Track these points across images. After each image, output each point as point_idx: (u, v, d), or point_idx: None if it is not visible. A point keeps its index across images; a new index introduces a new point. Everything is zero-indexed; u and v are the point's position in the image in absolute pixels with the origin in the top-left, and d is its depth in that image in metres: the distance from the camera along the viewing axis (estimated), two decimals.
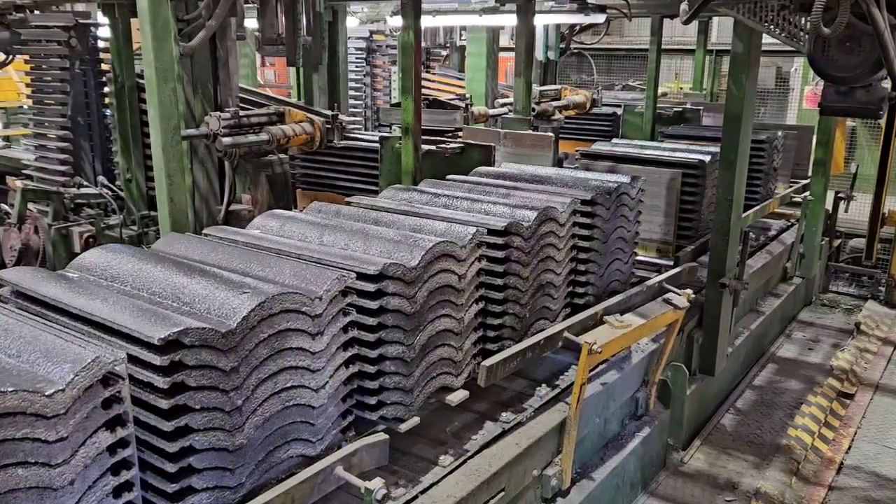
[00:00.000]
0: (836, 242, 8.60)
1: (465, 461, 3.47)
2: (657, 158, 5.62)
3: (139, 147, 6.59)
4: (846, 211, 8.11)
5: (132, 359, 2.24)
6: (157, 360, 2.22)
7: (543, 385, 4.19)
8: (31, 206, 6.85)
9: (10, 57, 7.86)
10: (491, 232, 3.56)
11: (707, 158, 5.61)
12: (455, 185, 4.51)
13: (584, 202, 4.21)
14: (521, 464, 3.69)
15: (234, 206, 5.82)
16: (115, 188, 6.72)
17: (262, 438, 2.56)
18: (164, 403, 2.26)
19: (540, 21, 6.93)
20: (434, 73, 10.54)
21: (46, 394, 1.92)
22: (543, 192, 4.31)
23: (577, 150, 5.89)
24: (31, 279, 2.68)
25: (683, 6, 4.95)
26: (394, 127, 8.34)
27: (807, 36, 4.30)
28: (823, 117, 7.25)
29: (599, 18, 7.16)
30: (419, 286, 3.09)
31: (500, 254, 3.61)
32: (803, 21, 4.27)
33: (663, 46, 8.93)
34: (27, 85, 7.20)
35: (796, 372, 6.59)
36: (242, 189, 6.04)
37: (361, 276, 2.88)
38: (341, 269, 2.89)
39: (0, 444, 1.86)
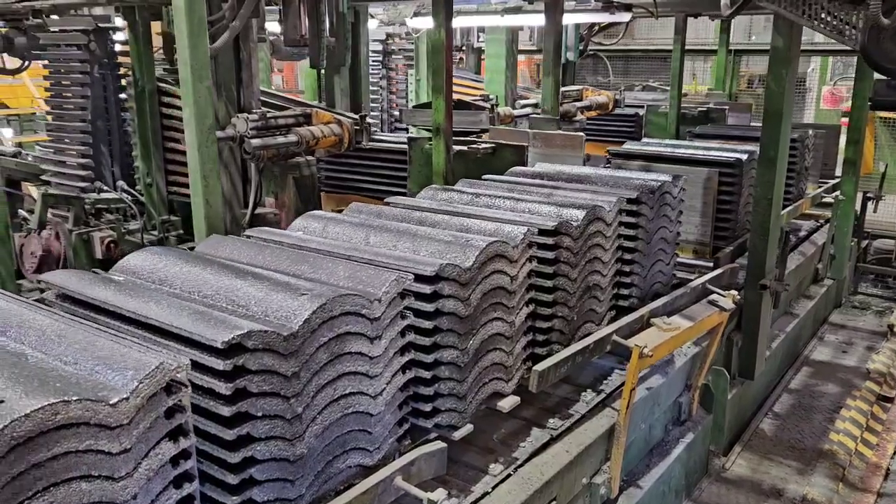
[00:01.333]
0: (864, 243, 8.47)
1: (515, 469, 3.35)
2: (693, 157, 5.50)
3: (159, 151, 6.50)
4: (875, 211, 7.99)
5: (192, 364, 2.12)
6: (219, 364, 2.10)
7: (588, 390, 4.07)
8: (50, 211, 6.76)
9: (27, 63, 7.80)
10: (541, 232, 3.44)
11: (744, 157, 5.48)
12: (493, 184, 4.40)
13: (629, 201, 4.09)
14: (572, 472, 3.57)
15: (259, 210, 5.72)
16: (134, 193, 6.63)
17: (321, 448, 2.44)
18: (225, 411, 2.14)
19: (565, 20, 6.81)
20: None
21: (111, 403, 1.80)
22: (585, 192, 4.20)
23: (607, 150, 5.77)
24: (77, 282, 2.57)
25: (725, 1, 4.85)
26: (415, 128, 8.25)
27: (854, 30, 4.19)
28: (854, 116, 7.13)
29: (625, 17, 7.05)
30: (473, 288, 2.97)
31: (549, 254, 3.49)
32: (852, 15, 4.16)
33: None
34: (45, 90, 7.11)
35: (832, 375, 6.45)
36: (266, 192, 5.94)
37: (417, 278, 2.76)
38: (395, 270, 2.78)
39: (63, 456, 1.74)
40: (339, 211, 5.78)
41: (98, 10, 7.71)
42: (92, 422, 1.78)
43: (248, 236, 3.30)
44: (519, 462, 3.39)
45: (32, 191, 8.66)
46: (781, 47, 4.94)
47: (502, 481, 3.25)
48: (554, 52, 6.18)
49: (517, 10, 7.53)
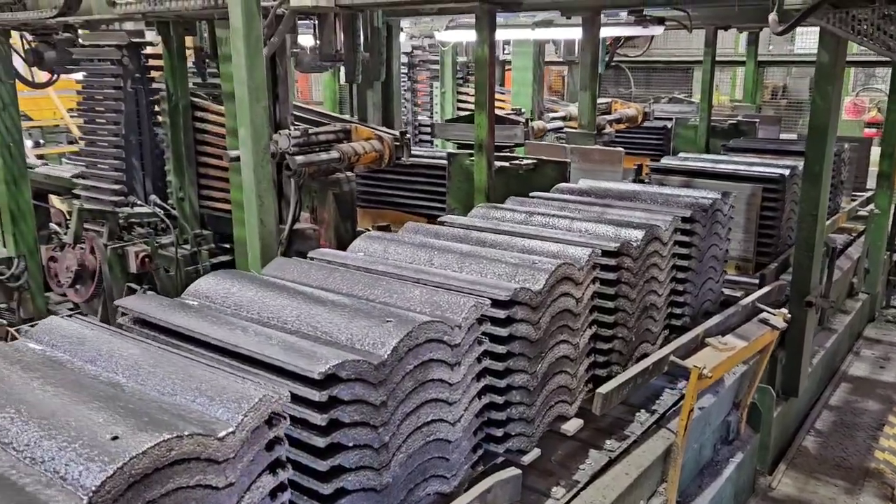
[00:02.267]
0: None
1: (577, 493, 3.31)
2: (735, 173, 5.47)
3: (192, 165, 6.52)
4: None
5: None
6: (315, 395, 2.08)
7: (642, 410, 4.04)
8: (85, 225, 6.77)
9: (55, 76, 7.83)
10: (603, 253, 3.42)
11: (786, 172, 5.45)
12: (543, 203, 4.38)
13: (683, 220, 4.07)
14: (632, 494, 3.53)
15: (297, 225, 5.72)
16: (167, 207, 6.64)
17: (404, 476, 2.42)
18: (319, 441, 2.12)
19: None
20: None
21: (219, 437, 1.79)
22: (637, 210, 4.17)
23: (646, 166, 5.74)
24: (156, 308, 2.56)
25: (773, 17, 4.82)
26: (448, 142, 8.24)
27: None
28: (889, 129, 7.08)
29: (658, 31, 7.04)
30: (543, 311, 2.95)
31: (611, 275, 3.47)
32: None
33: (698, 59, 8.82)
34: (78, 104, 7.13)
35: (872, 391, 6.38)
36: (302, 207, 5.93)
37: (492, 303, 2.74)
38: (469, 294, 2.76)
39: (174, 492, 1.72)
40: (386, 227, 5.78)
41: (129, 25, 7.75)
42: (202, 456, 1.76)
43: (312, 258, 3.28)
44: (580, 485, 3.36)
45: (56, 202, 8.69)
46: (827, 63, 4.91)
47: None
48: (591, 66, 6.17)
49: (548, 23, 7.53)
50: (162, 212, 6.51)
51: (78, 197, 6.95)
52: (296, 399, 2.13)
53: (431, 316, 2.54)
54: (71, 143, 13.80)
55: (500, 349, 2.80)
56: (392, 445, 2.33)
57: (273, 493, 1.99)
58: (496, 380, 2.82)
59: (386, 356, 2.24)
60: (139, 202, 6.77)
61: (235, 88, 3.80)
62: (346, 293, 2.78)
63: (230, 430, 1.81)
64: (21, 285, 7.28)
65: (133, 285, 6.44)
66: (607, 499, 3.32)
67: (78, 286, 6.85)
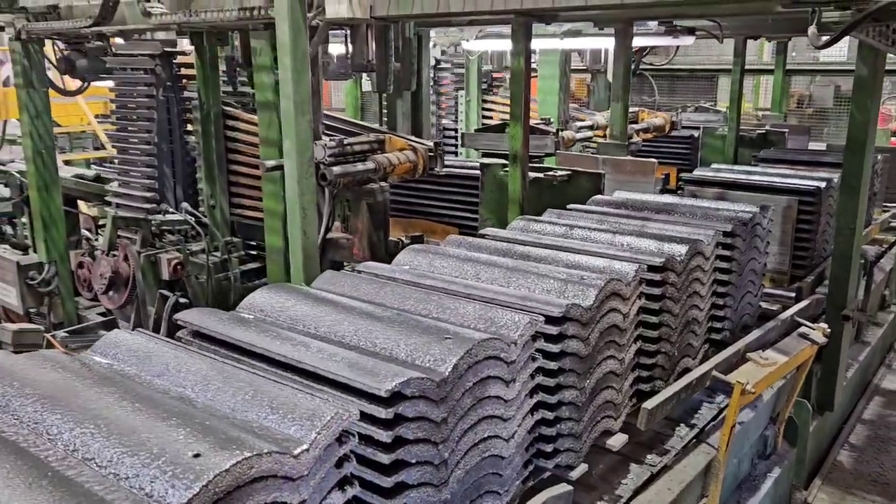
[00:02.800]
0: None
1: None
2: (771, 185, 5.45)
3: (223, 174, 6.56)
4: None
5: None
6: (381, 412, 2.10)
7: (681, 424, 4.03)
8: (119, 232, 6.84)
9: (86, 84, 7.92)
10: (650, 268, 3.42)
11: (822, 185, 5.42)
12: (581, 215, 4.39)
13: (725, 234, 4.06)
14: None
15: (330, 235, 5.75)
16: (198, 214, 6.70)
17: (461, 492, 2.43)
18: (384, 458, 2.14)
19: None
20: (499, 96, 10.45)
21: (294, 454, 1.81)
22: (678, 224, 4.17)
23: (680, 177, 5.73)
24: (214, 321, 2.59)
25: (812, 30, 4.81)
26: (468, 151, 8.25)
27: None
28: None
29: (688, 41, 7.03)
30: (593, 327, 2.96)
31: (656, 290, 3.47)
32: None
33: (723, 67, 8.79)
34: (111, 112, 7.21)
35: None
36: (334, 216, 5.96)
37: (546, 319, 2.75)
38: (520, 310, 2.77)
39: None
40: (419, 237, 5.80)
41: (161, 34, 7.83)
42: (279, 474, 1.78)
43: (359, 272, 3.31)
44: (623, 500, 3.36)
45: (83, 208, 8.78)
46: (866, 76, 4.89)
47: None
48: (623, 77, 6.17)
49: (576, 33, 7.54)
50: (193, 219, 6.57)
51: (108, 203, 7.03)
52: (363, 416, 2.15)
53: (487, 332, 2.56)
54: (97, 148, 13.96)
55: (552, 365, 2.80)
56: (451, 462, 2.35)
57: None
58: (547, 396, 2.83)
59: (447, 373, 2.26)
60: (171, 210, 6.84)
61: (281, 102, 3.84)
62: (399, 308, 2.80)
63: (304, 447, 1.84)
64: (52, 290, 7.36)
65: (165, 292, 6.50)
66: None
67: (111, 293, 6.93)
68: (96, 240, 8.16)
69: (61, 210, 7.28)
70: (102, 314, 7.36)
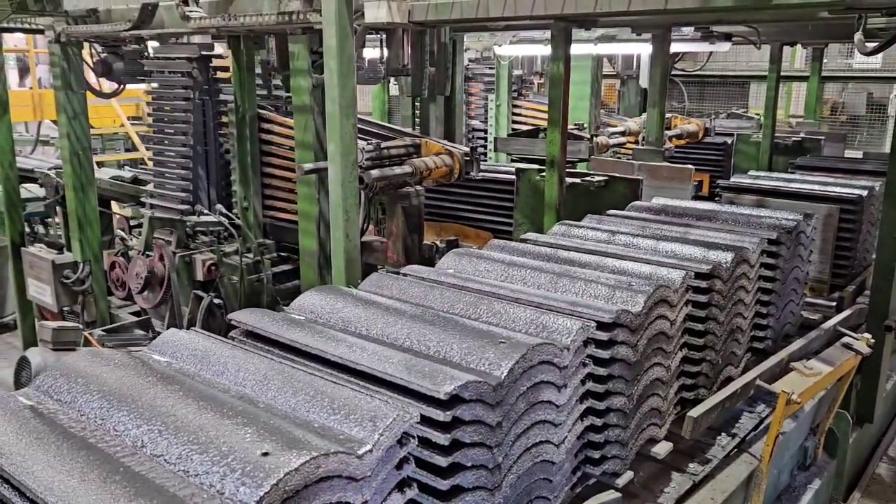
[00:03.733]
0: None
1: None
2: (811, 193, 5.38)
3: (257, 176, 6.62)
4: None
5: None
6: (440, 415, 2.10)
7: (722, 433, 3.99)
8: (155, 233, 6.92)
9: (122, 86, 8.03)
10: (697, 275, 3.40)
11: (864, 193, 5.35)
12: (622, 221, 4.36)
13: (769, 242, 4.02)
14: None
15: (364, 238, 5.78)
16: (231, 216, 6.76)
17: (513, 497, 2.43)
18: (442, 461, 2.14)
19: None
20: (528, 101, 10.45)
21: (358, 455, 1.82)
22: (721, 231, 4.13)
23: (718, 183, 5.68)
24: (269, 322, 2.61)
25: (859, 36, 4.76)
26: (498, 156, 8.25)
27: None
28: None
29: (725, 47, 6.98)
30: (642, 333, 2.94)
31: (703, 298, 3.44)
32: None
33: (754, 73, 8.71)
34: (148, 115, 7.30)
35: None
36: (369, 220, 5.99)
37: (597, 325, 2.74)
38: (570, 315, 2.76)
39: None
40: (450, 241, 5.81)
41: (197, 38, 7.93)
42: (344, 474, 1.79)
43: (406, 275, 3.32)
44: None
45: (116, 208, 8.90)
46: None
47: None
48: (660, 83, 6.14)
49: (610, 38, 7.52)
50: (227, 221, 6.62)
51: (143, 204, 7.11)
52: (421, 419, 2.16)
53: (539, 337, 2.55)
54: (128, 150, 14.14)
55: (602, 371, 2.79)
56: (504, 466, 2.34)
57: None
58: (596, 402, 2.82)
59: (503, 377, 2.26)
60: (205, 211, 6.90)
61: (326, 105, 3.86)
62: (450, 312, 2.80)
63: (368, 448, 1.84)
64: (85, 289, 7.45)
65: (199, 293, 6.56)
66: None
67: (147, 292, 7.01)
68: (131, 240, 8.26)
69: (96, 210, 7.37)
70: (134, 314, 7.44)
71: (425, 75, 6.60)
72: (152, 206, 7.01)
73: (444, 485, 2.15)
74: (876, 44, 4.30)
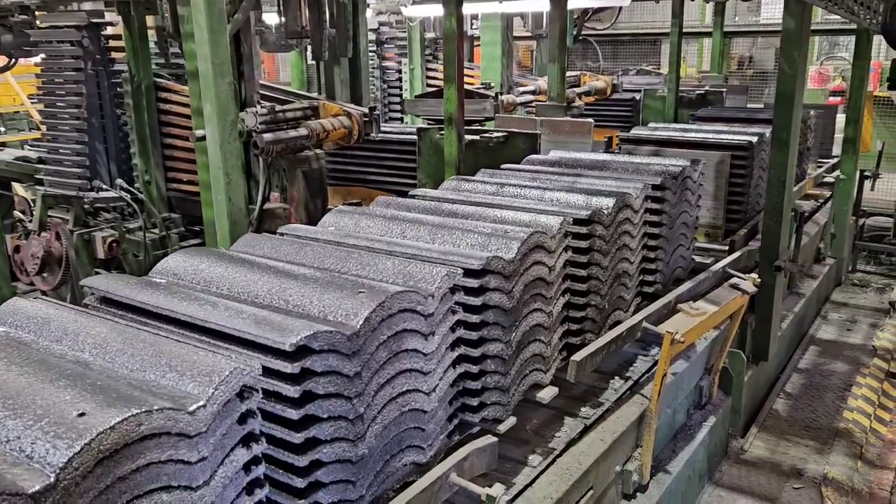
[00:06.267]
0: (861, 221, 8.56)
1: (554, 460, 3.34)
2: (704, 141, 5.51)
3: (157, 147, 6.41)
4: (872, 189, 8.07)
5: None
6: (287, 367, 2.06)
7: (616, 378, 4.08)
8: (49, 212, 6.63)
9: (13, 60, 7.61)
10: (575, 221, 3.43)
11: (755, 139, 5.50)
12: (514, 174, 4.37)
13: (653, 187, 4.09)
14: (607, 460, 3.58)
15: (267, 205, 5.65)
16: (133, 191, 6.51)
17: (380, 447, 2.41)
18: (293, 414, 2.10)
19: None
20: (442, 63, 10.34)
21: (189, 411, 1.76)
22: (608, 179, 4.18)
23: (617, 136, 5.76)
24: (122, 286, 2.51)
25: None
26: (418, 118, 8.16)
27: (870, 11, 4.21)
28: (853, 96, 7.18)
29: (625, 2, 7.03)
30: (516, 280, 2.95)
31: (583, 244, 3.48)
32: None
33: (665, 31, 8.83)
34: (38, 88, 6.94)
35: (839, 353, 6.52)
36: (272, 186, 5.86)
37: (464, 272, 2.73)
38: (441, 264, 2.75)
39: (146, 468, 1.70)
40: (357, 204, 5.73)
41: (88, 5, 7.54)
42: (173, 431, 1.73)
43: (282, 234, 3.24)
44: (556, 452, 3.39)
45: (19, 190, 8.49)
46: (793, 29, 4.93)
47: (542, 472, 3.25)
48: (559, 39, 6.14)
49: None
50: (129, 196, 6.38)
51: (42, 184, 6.79)
52: (269, 372, 2.11)
53: (405, 286, 2.52)
54: (33, 129, 13.44)
55: (475, 318, 2.79)
56: (367, 416, 2.32)
57: (247, 467, 1.97)
58: (471, 349, 2.82)
59: (359, 326, 2.23)
60: (105, 186, 6.63)
61: (199, 64, 3.72)
62: (318, 267, 2.75)
63: (201, 403, 1.79)
64: None
65: (101, 271, 6.33)
66: (583, 465, 3.36)
67: (45, 274, 6.73)
68: (29, 221, 7.88)
69: None
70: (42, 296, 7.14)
71: (324, 38, 6.45)
72: (46, 184, 6.71)
73: (297, 438, 2.12)
74: None
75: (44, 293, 6.91)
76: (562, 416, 3.71)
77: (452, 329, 2.68)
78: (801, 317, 6.63)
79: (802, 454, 5.07)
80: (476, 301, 2.77)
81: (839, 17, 5.32)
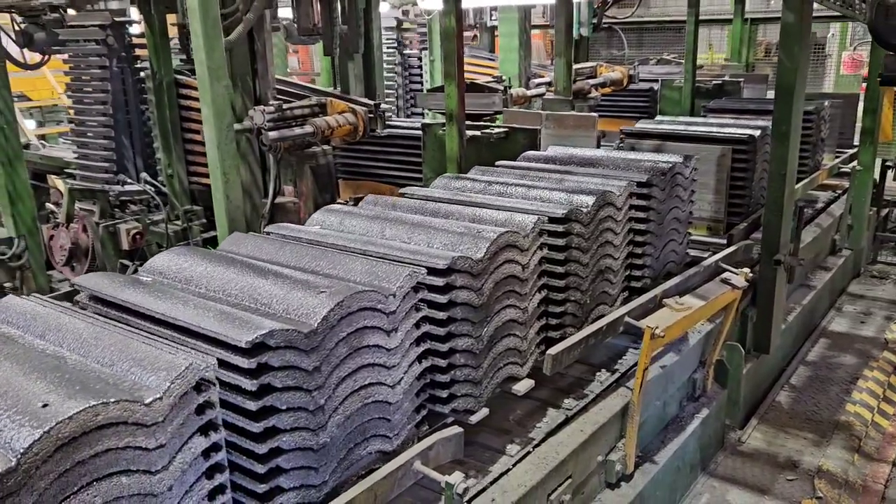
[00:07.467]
0: (884, 212, 8.41)
1: (532, 450, 3.47)
2: (705, 135, 5.52)
3: (179, 142, 6.63)
4: (895, 179, 7.93)
5: (219, 362, 2.25)
6: (244, 362, 2.23)
7: (603, 370, 4.18)
8: (77, 204, 6.94)
9: (46, 57, 7.94)
10: (551, 220, 3.53)
11: (757, 133, 5.49)
12: (506, 171, 4.47)
13: (639, 184, 4.15)
14: (587, 450, 3.68)
15: (279, 199, 5.86)
16: (157, 184, 6.77)
17: (343, 436, 2.58)
18: (251, 405, 2.28)
19: None
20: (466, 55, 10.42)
21: (145, 402, 1.94)
22: (597, 176, 4.26)
23: (620, 129, 5.80)
24: (108, 284, 2.71)
25: None
26: (430, 112, 8.29)
27: (864, 5, 4.19)
28: (871, 85, 7.06)
29: None
30: (486, 278, 3.07)
31: (560, 241, 3.58)
32: None
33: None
34: (66, 85, 7.24)
35: (850, 346, 6.48)
36: (284, 181, 6.06)
37: (430, 271, 2.87)
38: (409, 264, 2.89)
39: (104, 453, 1.89)
40: (359, 198, 5.90)
41: (114, 4, 7.81)
42: (129, 421, 1.92)
43: (268, 233, 3.42)
44: (535, 442, 3.52)
45: (58, 183, 8.88)
46: (793, 22, 4.91)
47: (519, 461, 3.38)
48: (566, 31, 6.19)
49: None
50: (152, 189, 6.65)
51: (73, 177, 7.11)
52: (229, 367, 2.29)
53: (370, 285, 2.67)
54: (71, 123, 13.95)
55: (441, 315, 2.93)
56: (328, 407, 2.49)
57: (206, 453, 2.15)
58: (438, 344, 2.96)
59: (316, 324, 2.38)
60: (129, 180, 6.91)
61: (196, 69, 3.90)
62: (294, 266, 2.92)
63: (157, 396, 1.97)
64: (22, 265, 7.47)
65: (126, 262, 6.63)
66: (560, 454, 3.48)
67: (73, 264, 7.06)
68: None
69: (28, 184, 7.34)
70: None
71: (336, 34, 6.60)
72: (74, 177, 7.02)
73: (257, 427, 2.29)
74: None
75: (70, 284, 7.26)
76: (545, 407, 3.84)
77: (417, 325, 2.83)
78: (811, 309, 6.60)
79: (800, 446, 5.10)
80: (443, 299, 2.91)
81: None
